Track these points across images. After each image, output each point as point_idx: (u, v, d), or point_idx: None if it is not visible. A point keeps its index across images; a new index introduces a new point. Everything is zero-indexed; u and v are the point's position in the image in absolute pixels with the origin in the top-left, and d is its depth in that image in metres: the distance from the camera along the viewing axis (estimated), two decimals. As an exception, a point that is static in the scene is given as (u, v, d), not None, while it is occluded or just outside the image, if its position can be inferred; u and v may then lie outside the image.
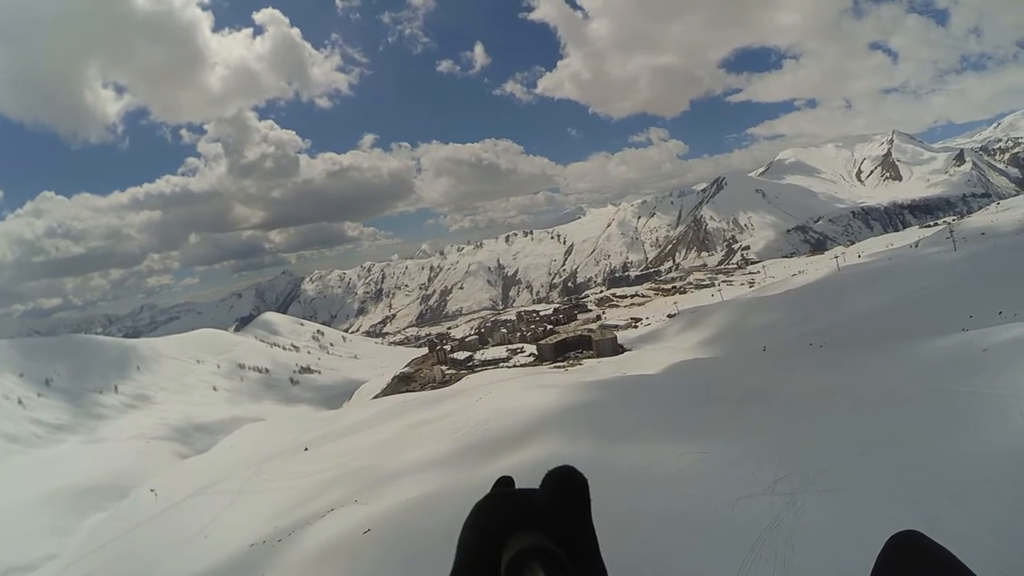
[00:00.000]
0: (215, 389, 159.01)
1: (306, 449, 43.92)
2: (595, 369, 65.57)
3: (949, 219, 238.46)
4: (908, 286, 51.54)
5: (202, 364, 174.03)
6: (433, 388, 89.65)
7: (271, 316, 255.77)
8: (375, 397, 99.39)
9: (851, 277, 63.56)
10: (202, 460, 63.73)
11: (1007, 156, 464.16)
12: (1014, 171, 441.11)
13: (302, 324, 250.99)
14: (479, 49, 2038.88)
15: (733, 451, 16.06)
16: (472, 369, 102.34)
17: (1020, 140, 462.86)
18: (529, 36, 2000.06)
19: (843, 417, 17.05)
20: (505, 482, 1.17)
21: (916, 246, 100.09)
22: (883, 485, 10.82)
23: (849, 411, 17.54)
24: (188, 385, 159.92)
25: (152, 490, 53.98)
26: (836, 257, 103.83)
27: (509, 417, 29.85)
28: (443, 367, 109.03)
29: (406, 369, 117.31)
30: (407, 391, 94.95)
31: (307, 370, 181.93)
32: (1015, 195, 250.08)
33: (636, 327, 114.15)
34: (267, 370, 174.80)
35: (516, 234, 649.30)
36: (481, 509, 1.01)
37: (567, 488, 0.98)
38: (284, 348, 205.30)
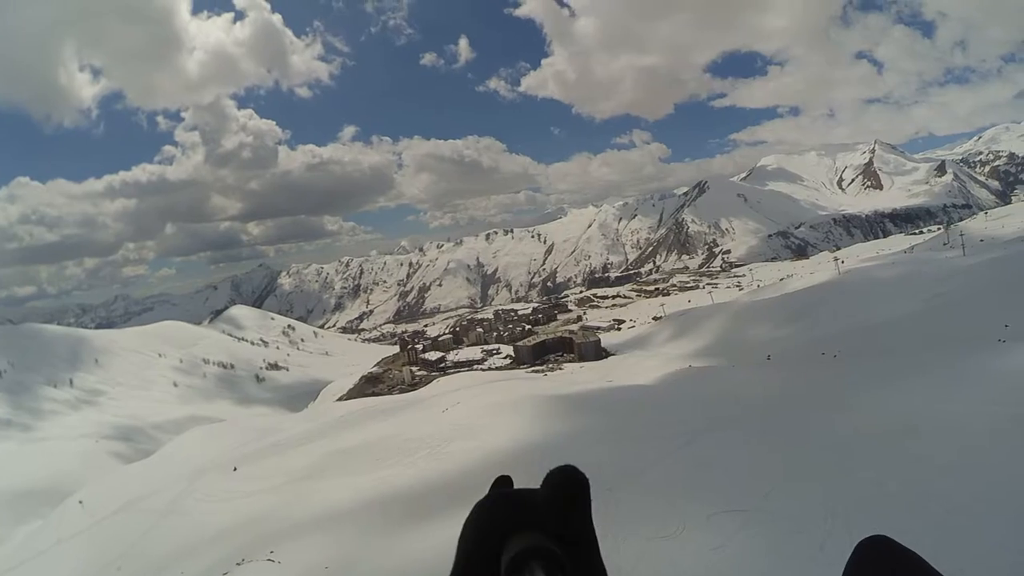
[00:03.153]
0: (175, 385, 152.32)
1: (235, 469, 37.74)
2: (577, 375, 59.93)
3: (934, 227, 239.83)
4: (925, 291, 46.76)
5: (164, 358, 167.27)
6: (401, 391, 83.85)
7: (239, 310, 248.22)
8: (340, 399, 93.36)
9: (858, 282, 58.44)
10: (139, 467, 57.19)
11: (987, 169, 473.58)
12: (994, 183, 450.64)
13: (273, 319, 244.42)
14: (464, 43, 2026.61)
15: (786, 508, 10.96)
16: (444, 371, 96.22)
17: (1001, 153, 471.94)
18: (515, 32, 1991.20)
19: (950, 469, 11.37)
20: (503, 482, 1.16)
21: (911, 251, 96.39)
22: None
23: (958, 459, 11.80)
24: (147, 380, 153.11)
25: (80, 501, 47.88)
26: (837, 260, 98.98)
27: (474, 439, 24.09)
28: (413, 368, 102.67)
29: (374, 369, 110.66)
30: (374, 393, 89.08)
31: (274, 367, 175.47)
32: (995, 207, 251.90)
33: (619, 329, 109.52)
34: (232, 366, 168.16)
35: (496, 232, 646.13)
36: (481, 509, 1.00)
37: (568, 488, 0.97)
38: (252, 343, 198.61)
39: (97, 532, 36.00)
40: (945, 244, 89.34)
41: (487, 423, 26.39)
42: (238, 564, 17.75)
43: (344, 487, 23.43)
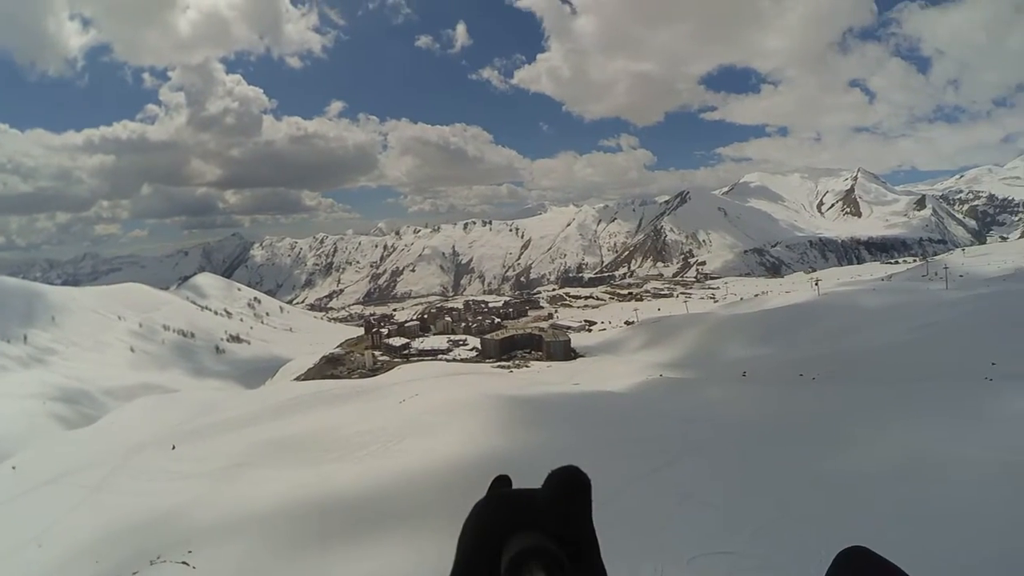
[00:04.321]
0: (132, 350, 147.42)
1: (174, 447, 35.24)
2: (543, 375, 57.92)
3: (909, 258, 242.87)
4: (909, 321, 45.82)
5: (123, 321, 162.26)
6: (361, 375, 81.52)
7: (204, 278, 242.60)
8: (298, 378, 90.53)
9: (839, 306, 57.33)
10: (79, 435, 54.22)
11: (966, 208, 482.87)
12: (971, 222, 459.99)
13: (239, 289, 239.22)
14: (461, 29, 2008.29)
15: (777, 555, 9.74)
16: (408, 358, 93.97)
17: (981, 194, 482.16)
18: (514, 23, 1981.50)
19: (950, 518, 10.39)
20: (502, 481, 1.16)
21: (889, 279, 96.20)
22: None
23: (957, 507, 10.88)
24: (103, 343, 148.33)
25: (14, 467, 44.88)
26: (817, 281, 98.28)
27: (429, 437, 22.14)
28: (376, 352, 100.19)
29: (337, 350, 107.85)
30: (333, 375, 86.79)
31: (236, 339, 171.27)
32: (970, 245, 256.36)
33: (590, 330, 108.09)
34: (192, 335, 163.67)
35: (475, 223, 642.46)
36: (481, 509, 1.00)
37: (569, 488, 0.97)
38: (215, 313, 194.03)
39: (25, 502, 33.22)
40: (924, 276, 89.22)
41: (444, 421, 24.37)
42: (152, 563, 15.75)
43: (282, 480, 21.24)
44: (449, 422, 23.98)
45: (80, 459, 39.85)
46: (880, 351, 39.25)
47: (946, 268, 76.88)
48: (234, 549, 15.47)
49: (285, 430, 31.38)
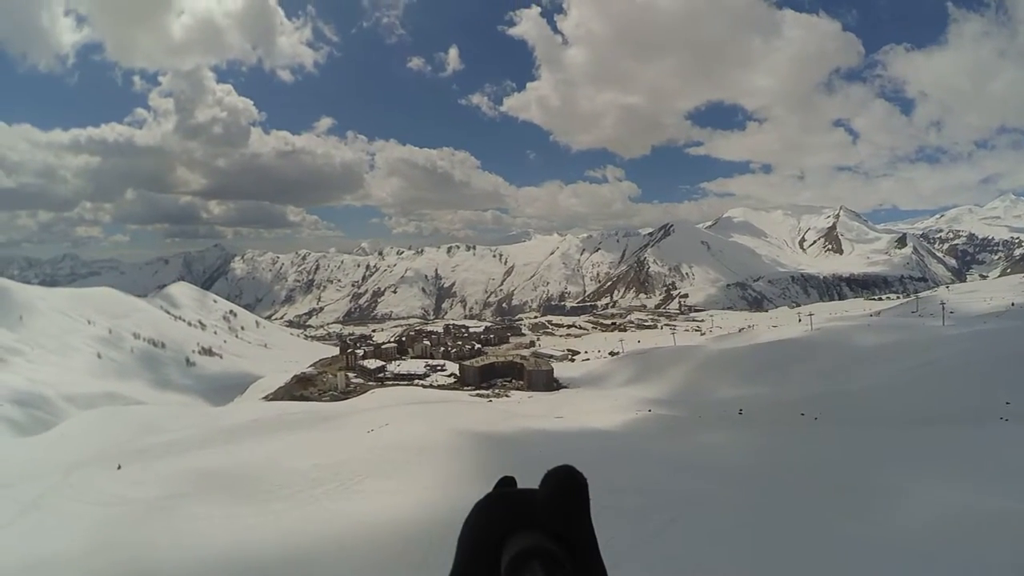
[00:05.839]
0: (99, 356, 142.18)
1: (119, 467, 32.05)
2: (523, 406, 54.93)
3: (891, 295, 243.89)
4: (909, 359, 43.94)
5: (92, 326, 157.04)
6: (333, 398, 78.07)
7: (179, 288, 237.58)
8: (266, 397, 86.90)
9: (833, 342, 55.38)
10: (27, 444, 50.64)
11: (946, 247, 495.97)
12: (951, 261, 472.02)
13: (215, 301, 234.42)
14: (453, 53, 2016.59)
15: None
16: (382, 382, 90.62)
17: (961, 233, 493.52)
18: (506, 50, 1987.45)
19: None
20: (506, 482, 1.16)
21: (877, 315, 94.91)
22: None
23: None
24: (70, 346, 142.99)
25: (-43, 476, 41.36)
26: (810, 315, 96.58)
27: (393, 478, 19.52)
28: (350, 374, 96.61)
29: (309, 370, 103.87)
30: (303, 396, 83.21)
31: (208, 352, 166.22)
32: (951, 283, 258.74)
33: (573, 360, 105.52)
34: (162, 344, 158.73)
35: (459, 247, 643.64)
36: (481, 509, 1.01)
37: (567, 487, 0.97)
38: (189, 323, 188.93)
39: (-47, 516, 30.15)
40: (914, 312, 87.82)
41: (412, 459, 21.61)
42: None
43: (217, 520, 18.11)
44: (417, 461, 21.28)
45: (21, 470, 36.50)
46: (882, 389, 37.10)
47: (943, 304, 75.36)
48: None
49: (237, 457, 28.46)
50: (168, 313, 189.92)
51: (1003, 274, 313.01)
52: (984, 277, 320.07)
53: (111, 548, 17.76)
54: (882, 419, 29.21)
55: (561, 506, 0.95)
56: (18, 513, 26.41)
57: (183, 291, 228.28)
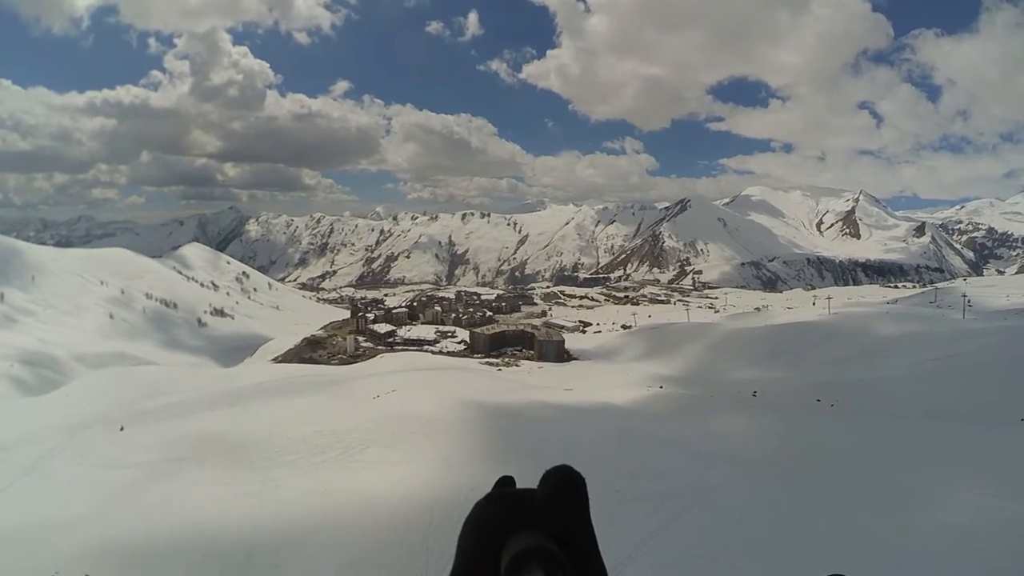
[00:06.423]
0: (111, 317, 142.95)
1: (122, 428, 31.89)
2: (533, 376, 54.50)
3: (907, 283, 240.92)
4: (930, 350, 42.83)
5: (105, 286, 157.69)
6: (342, 361, 78.07)
7: (192, 249, 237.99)
8: (276, 359, 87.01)
9: (853, 328, 54.19)
10: (33, 405, 50.91)
11: (964, 239, 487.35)
12: (969, 253, 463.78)
13: (228, 263, 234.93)
14: (473, 18, 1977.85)
15: None
16: (392, 347, 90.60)
17: (981, 226, 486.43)
18: (526, 16, 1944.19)
19: None
20: (506, 482, 1.16)
21: (894, 303, 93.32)
22: None
23: None
24: (82, 307, 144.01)
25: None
26: (828, 298, 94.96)
27: (398, 448, 19.09)
28: (360, 338, 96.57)
29: (319, 332, 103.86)
30: (311, 359, 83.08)
31: (220, 312, 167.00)
32: (968, 275, 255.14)
33: (584, 332, 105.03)
34: (174, 305, 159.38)
35: (473, 214, 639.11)
36: (481, 509, 1.01)
37: (565, 487, 0.98)
38: (201, 284, 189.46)
39: (-44, 476, 30.10)
40: (932, 303, 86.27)
41: (418, 430, 21.01)
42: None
43: (217, 486, 17.96)
44: (422, 433, 20.77)
45: (23, 432, 36.36)
46: (901, 380, 36.26)
47: (965, 296, 73.54)
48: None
49: (240, 421, 28.33)
50: (180, 274, 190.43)
51: (1020, 271, 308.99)
52: (1001, 272, 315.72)
53: (105, 514, 17.48)
54: (901, 412, 28.76)
55: (560, 506, 0.96)
56: (20, 475, 26.26)
57: (196, 252, 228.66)
